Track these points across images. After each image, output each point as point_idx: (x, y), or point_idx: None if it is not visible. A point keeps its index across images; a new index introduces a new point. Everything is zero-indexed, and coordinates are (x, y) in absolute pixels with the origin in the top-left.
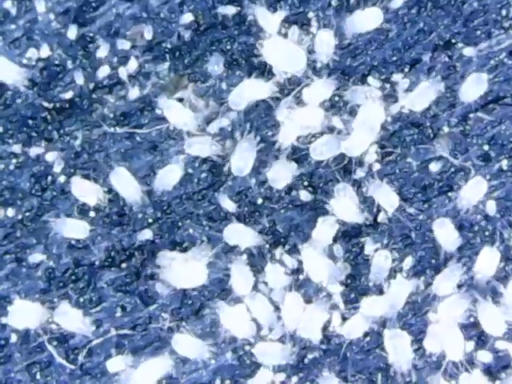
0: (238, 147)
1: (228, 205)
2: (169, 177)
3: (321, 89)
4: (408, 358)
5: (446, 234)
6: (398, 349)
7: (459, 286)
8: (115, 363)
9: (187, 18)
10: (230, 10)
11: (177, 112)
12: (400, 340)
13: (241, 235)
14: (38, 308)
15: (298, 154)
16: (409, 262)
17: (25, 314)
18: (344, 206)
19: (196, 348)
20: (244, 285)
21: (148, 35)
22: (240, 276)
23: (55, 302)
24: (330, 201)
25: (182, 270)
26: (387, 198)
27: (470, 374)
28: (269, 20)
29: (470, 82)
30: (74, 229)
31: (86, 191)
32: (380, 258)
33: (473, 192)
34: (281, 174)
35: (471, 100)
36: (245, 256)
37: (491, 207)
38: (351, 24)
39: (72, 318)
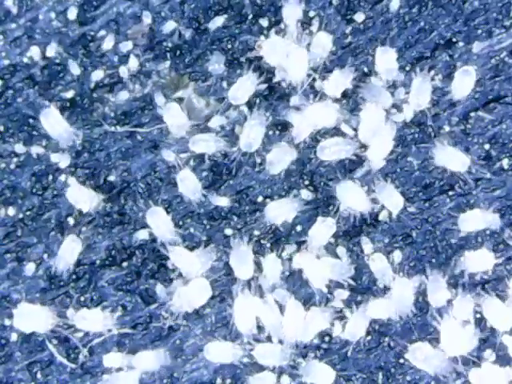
0: (247, 123)
1: (221, 201)
2: (188, 182)
3: (340, 79)
4: (440, 362)
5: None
6: (427, 361)
7: (455, 286)
8: (112, 359)
9: (169, 26)
10: (219, 22)
11: (173, 114)
12: (422, 351)
13: (284, 209)
14: (46, 312)
15: (301, 152)
16: (399, 255)
17: (31, 317)
18: (353, 191)
19: (229, 352)
20: (245, 269)
21: (147, 20)
22: (240, 261)
23: (65, 305)
24: (339, 185)
25: (188, 293)
26: (392, 198)
27: (479, 368)
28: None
29: (458, 77)
30: (69, 249)
31: (80, 197)
32: (375, 263)
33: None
34: (279, 158)
35: (465, 95)
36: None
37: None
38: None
39: (94, 320)
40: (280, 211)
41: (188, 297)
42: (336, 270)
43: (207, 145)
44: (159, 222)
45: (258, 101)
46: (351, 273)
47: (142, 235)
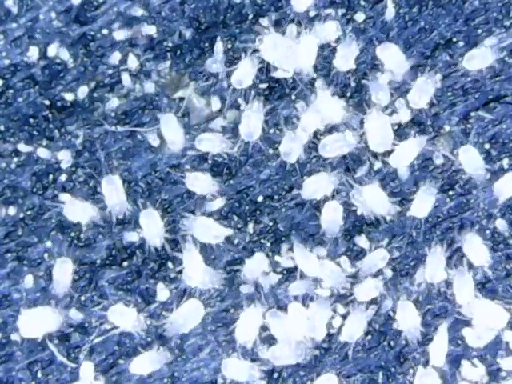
0: (245, 113)
1: (216, 204)
2: (199, 181)
3: (346, 50)
4: None
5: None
6: None
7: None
8: (86, 368)
9: (115, 57)
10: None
11: (170, 126)
12: (430, 379)
13: (320, 185)
14: (51, 313)
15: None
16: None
17: (37, 322)
18: (374, 193)
19: (246, 371)
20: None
21: (145, 30)
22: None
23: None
24: (361, 187)
25: (180, 317)
26: (422, 204)
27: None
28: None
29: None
30: (62, 271)
31: (77, 213)
32: (378, 256)
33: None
34: (292, 146)
35: (477, 68)
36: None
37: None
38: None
39: (127, 319)
40: (318, 186)
41: (181, 321)
42: (334, 278)
43: (212, 144)
44: (151, 225)
45: (253, 92)
46: (347, 287)
47: (131, 237)
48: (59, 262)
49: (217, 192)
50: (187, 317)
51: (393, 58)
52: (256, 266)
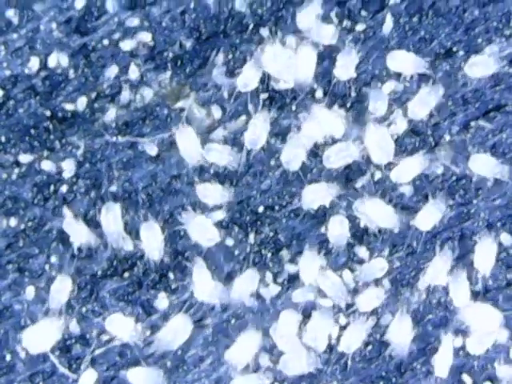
0: (251, 121)
1: (217, 216)
2: (210, 191)
3: (347, 58)
4: None
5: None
6: None
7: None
8: (88, 376)
9: (115, 68)
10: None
11: (186, 137)
12: None
13: (318, 195)
14: (53, 325)
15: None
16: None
17: (40, 336)
18: (378, 207)
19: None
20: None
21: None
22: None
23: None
24: (362, 200)
25: (168, 335)
26: (429, 218)
27: None
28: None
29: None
30: (60, 289)
31: (76, 232)
32: (378, 266)
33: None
34: (294, 154)
35: (479, 76)
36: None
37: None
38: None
39: (124, 328)
40: (317, 195)
41: (169, 338)
42: (335, 289)
43: (220, 156)
44: (151, 238)
45: (260, 101)
46: (347, 299)
47: (128, 246)
48: (59, 280)
49: (228, 199)
50: (176, 332)
51: (406, 62)
52: (245, 286)
